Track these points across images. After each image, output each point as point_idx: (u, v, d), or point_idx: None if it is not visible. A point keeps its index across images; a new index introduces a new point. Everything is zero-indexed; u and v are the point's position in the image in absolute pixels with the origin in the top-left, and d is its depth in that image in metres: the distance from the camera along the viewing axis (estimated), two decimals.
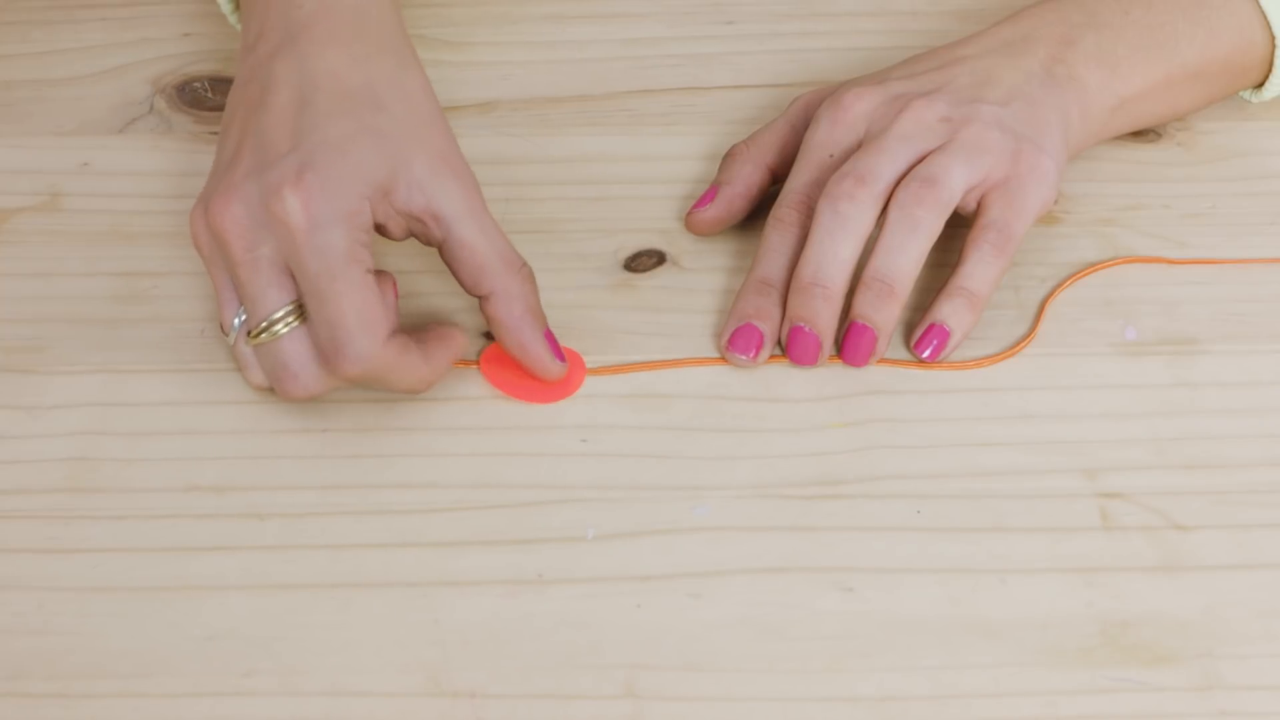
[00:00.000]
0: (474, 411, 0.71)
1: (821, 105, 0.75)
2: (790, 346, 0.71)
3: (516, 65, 0.84)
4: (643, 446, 0.69)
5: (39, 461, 0.69)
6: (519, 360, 0.70)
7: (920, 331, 0.72)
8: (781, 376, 0.72)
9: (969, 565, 0.66)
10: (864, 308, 0.70)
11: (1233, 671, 0.63)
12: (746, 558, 0.66)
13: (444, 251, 0.69)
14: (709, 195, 0.76)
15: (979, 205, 0.72)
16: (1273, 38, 0.77)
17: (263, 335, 0.67)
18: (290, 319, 0.66)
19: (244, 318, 0.68)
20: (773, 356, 0.72)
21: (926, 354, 0.72)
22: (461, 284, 0.69)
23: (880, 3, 0.86)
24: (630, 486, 0.68)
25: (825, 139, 0.73)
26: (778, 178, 0.76)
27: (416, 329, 0.69)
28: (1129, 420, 0.71)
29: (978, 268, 0.72)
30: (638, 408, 0.71)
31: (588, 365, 0.72)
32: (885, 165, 0.71)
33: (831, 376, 0.72)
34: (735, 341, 0.71)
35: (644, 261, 0.76)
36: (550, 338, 0.70)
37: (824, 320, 0.70)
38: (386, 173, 0.67)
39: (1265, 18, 0.76)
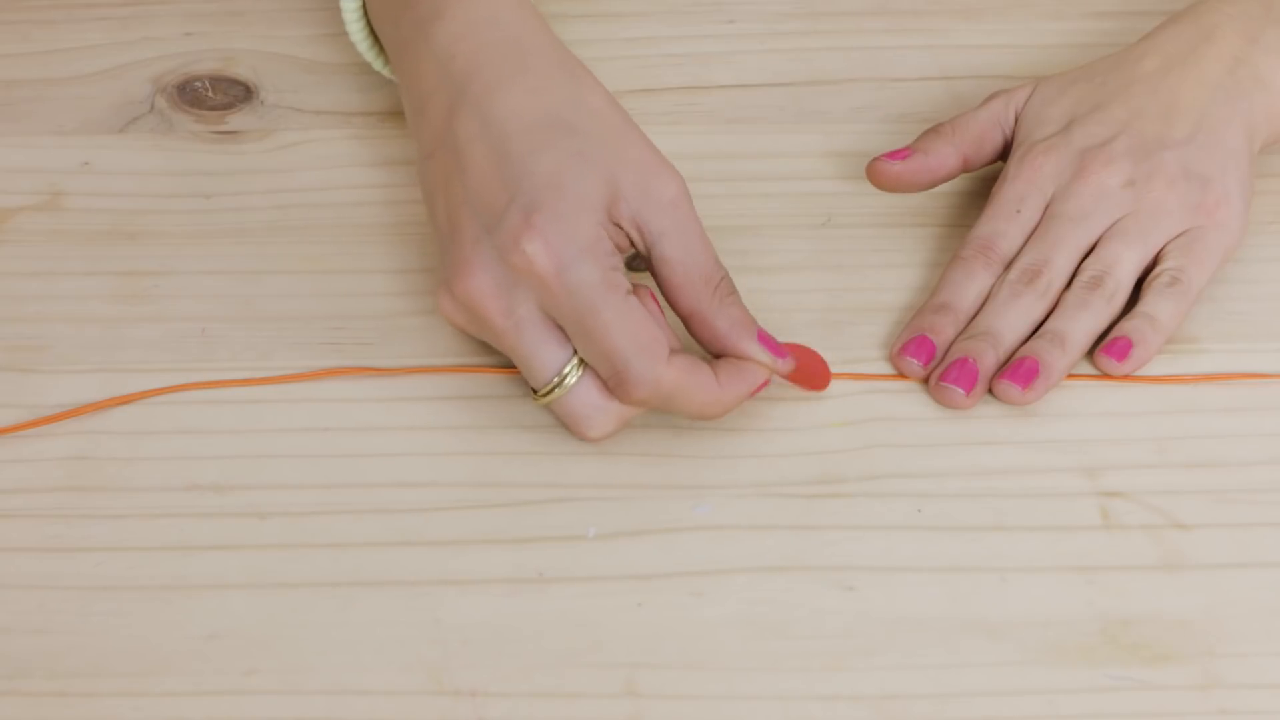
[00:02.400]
0: (474, 411, 0.71)
1: (1011, 159, 0.75)
2: (950, 369, 0.70)
3: None
4: (643, 445, 0.69)
5: (39, 461, 0.69)
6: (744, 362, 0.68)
7: (1110, 339, 0.71)
8: None
9: (970, 564, 0.66)
10: (1034, 347, 0.71)
11: (1233, 670, 0.63)
12: (747, 556, 0.66)
13: (649, 264, 0.68)
14: (901, 153, 0.76)
15: (1157, 256, 0.73)
16: None
17: (554, 393, 0.66)
18: (574, 370, 0.66)
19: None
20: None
21: (1111, 360, 0.71)
22: (665, 298, 0.68)
23: (882, 2, 0.86)
24: (631, 485, 0.68)
25: (1013, 194, 0.74)
26: (969, 168, 0.77)
27: (711, 360, 0.68)
28: (1129, 419, 0.70)
29: (1157, 300, 0.72)
30: None
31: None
32: (1060, 256, 0.72)
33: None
34: (909, 348, 0.71)
35: (645, 261, 0.76)
36: (765, 339, 0.68)
37: (987, 361, 0.70)
38: (605, 194, 0.66)
39: None
